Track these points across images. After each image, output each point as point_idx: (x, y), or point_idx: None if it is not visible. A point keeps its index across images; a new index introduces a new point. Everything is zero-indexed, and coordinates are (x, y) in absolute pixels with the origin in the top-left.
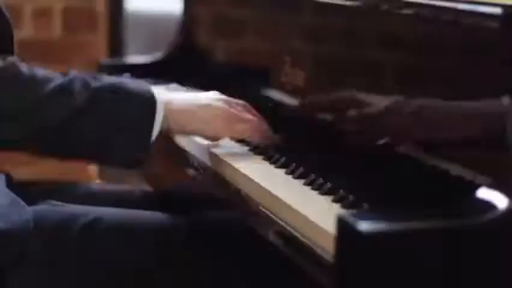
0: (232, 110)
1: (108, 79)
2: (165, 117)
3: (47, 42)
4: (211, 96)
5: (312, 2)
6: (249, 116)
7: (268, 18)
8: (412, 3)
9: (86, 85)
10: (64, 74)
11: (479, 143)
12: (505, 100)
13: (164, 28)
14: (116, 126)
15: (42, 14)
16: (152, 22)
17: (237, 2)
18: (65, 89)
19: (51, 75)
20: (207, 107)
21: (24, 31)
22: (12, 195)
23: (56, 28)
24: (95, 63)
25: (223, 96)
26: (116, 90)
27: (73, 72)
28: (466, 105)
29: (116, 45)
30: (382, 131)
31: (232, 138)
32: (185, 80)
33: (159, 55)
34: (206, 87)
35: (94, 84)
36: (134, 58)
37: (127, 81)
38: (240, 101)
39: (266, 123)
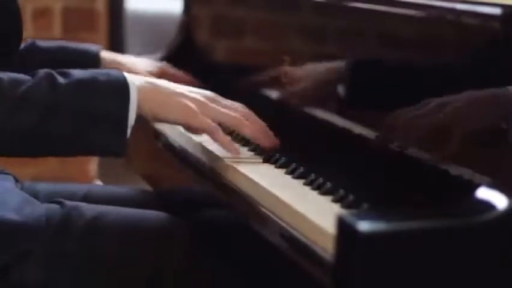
0: (207, 102)
1: (77, 73)
2: (140, 103)
3: None
4: (196, 90)
5: (311, 1)
6: (235, 112)
7: (268, 18)
8: (412, 3)
9: (53, 84)
10: (32, 74)
11: (480, 143)
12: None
13: (164, 28)
14: (89, 119)
15: (42, 14)
16: (152, 22)
17: (236, 1)
18: (32, 92)
19: (17, 78)
20: (180, 95)
21: (24, 31)
22: (24, 194)
23: (56, 28)
24: None
25: (210, 93)
26: (85, 83)
27: (41, 72)
28: (466, 105)
29: (116, 45)
30: (382, 130)
31: (205, 130)
32: None
33: (159, 55)
34: (206, 87)
35: (61, 81)
36: None
37: (98, 71)
38: (235, 102)
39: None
